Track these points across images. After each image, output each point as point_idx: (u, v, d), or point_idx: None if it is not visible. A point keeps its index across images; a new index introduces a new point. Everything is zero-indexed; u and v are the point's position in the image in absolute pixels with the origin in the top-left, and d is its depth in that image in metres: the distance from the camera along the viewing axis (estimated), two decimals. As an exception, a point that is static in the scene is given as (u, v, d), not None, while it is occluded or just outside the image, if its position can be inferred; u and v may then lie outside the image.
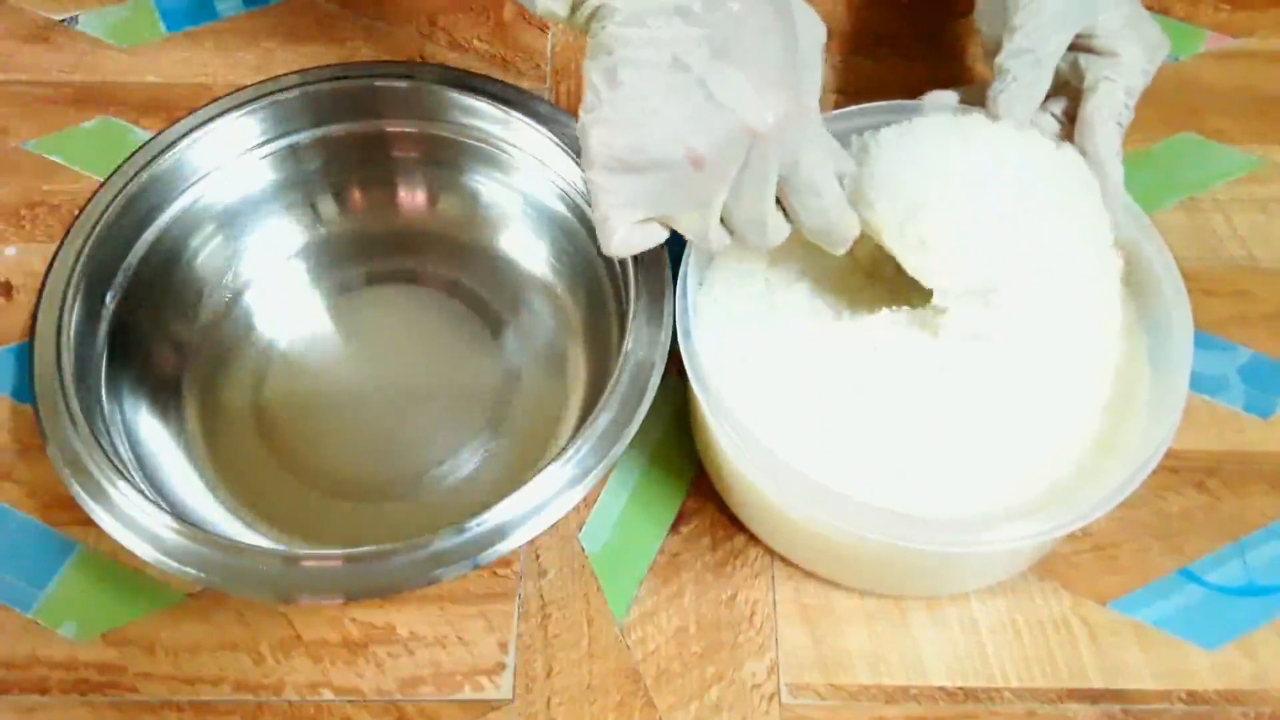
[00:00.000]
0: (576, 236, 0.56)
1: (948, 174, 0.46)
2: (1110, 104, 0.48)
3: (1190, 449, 0.53)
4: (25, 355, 0.56)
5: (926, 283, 0.47)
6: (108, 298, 0.53)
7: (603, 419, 0.46)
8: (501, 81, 0.57)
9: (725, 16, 0.40)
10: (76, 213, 0.53)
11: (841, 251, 0.46)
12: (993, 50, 0.50)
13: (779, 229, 0.44)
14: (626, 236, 0.43)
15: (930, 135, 0.48)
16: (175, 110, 0.64)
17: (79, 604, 0.50)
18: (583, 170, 0.42)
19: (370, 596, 0.47)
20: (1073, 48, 0.49)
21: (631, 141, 0.40)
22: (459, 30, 0.68)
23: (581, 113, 0.41)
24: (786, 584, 0.50)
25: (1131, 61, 0.48)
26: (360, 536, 0.50)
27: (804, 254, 0.52)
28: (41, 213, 0.61)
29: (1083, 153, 0.48)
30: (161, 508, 0.45)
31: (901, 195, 0.46)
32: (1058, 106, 0.51)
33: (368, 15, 0.69)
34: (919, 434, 0.47)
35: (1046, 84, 0.48)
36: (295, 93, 0.56)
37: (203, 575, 0.44)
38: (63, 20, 0.68)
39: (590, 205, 0.43)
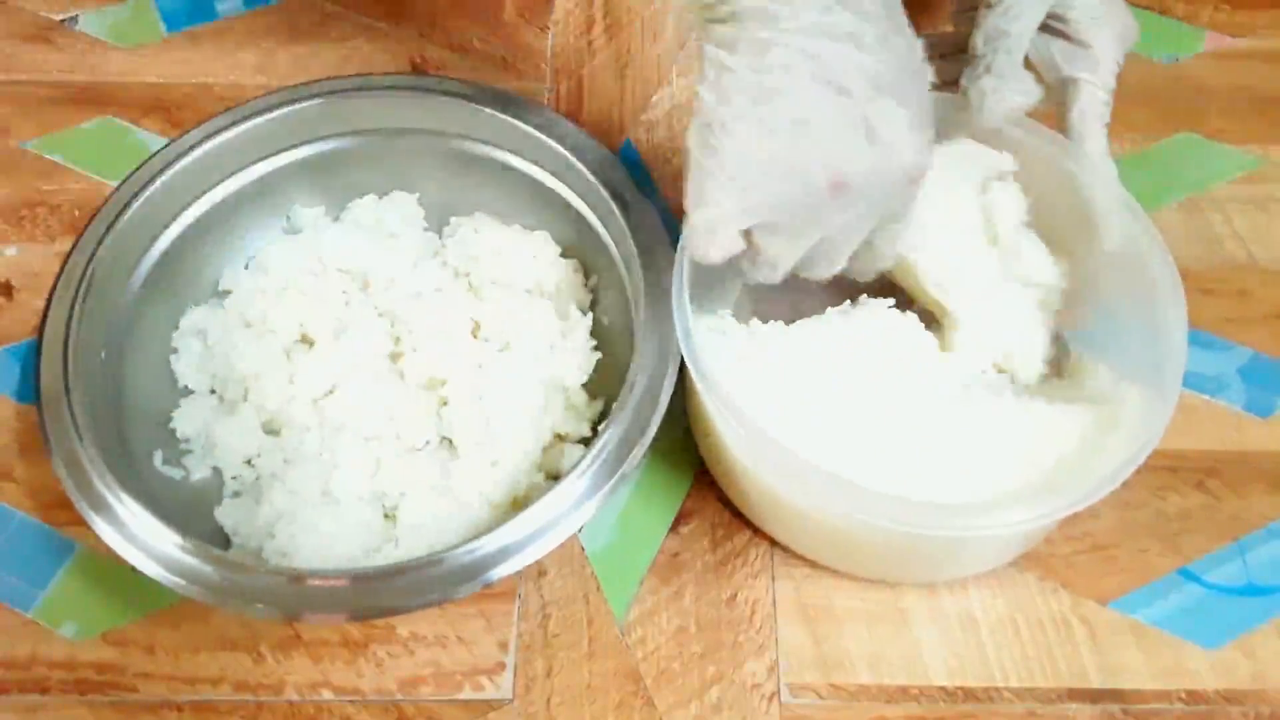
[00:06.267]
0: (588, 249, 0.56)
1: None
2: (1095, 107, 0.48)
3: (1190, 449, 0.53)
4: (26, 355, 0.56)
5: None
6: (121, 303, 0.52)
7: (614, 435, 0.46)
8: (517, 96, 0.57)
9: (893, 53, 0.38)
10: (89, 217, 0.53)
11: (862, 279, 0.47)
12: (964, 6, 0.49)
13: (838, 267, 0.44)
14: (727, 247, 0.41)
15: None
16: (175, 110, 0.64)
17: (79, 604, 0.50)
18: (695, 164, 0.39)
19: (378, 616, 0.47)
20: (1042, 28, 0.48)
21: (775, 151, 0.38)
22: (459, 30, 0.68)
23: (712, 104, 0.38)
24: (786, 584, 0.50)
25: (1105, 55, 0.48)
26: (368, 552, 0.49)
27: None
28: (42, 213, 0.61)
29: (1072, 149, 0.48)
30: (167, 523, 0.44)
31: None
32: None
33: (368, 15, 0.69)
34: (918, 421, 0.47)
35: (1020, 73, 0.47)
36: (317, 101, 0.56)
37: (209, 595, 0.43)
38: (63, 20, 0.68)
39: (690, 202, 0.40)
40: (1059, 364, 0.51)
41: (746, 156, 0.38)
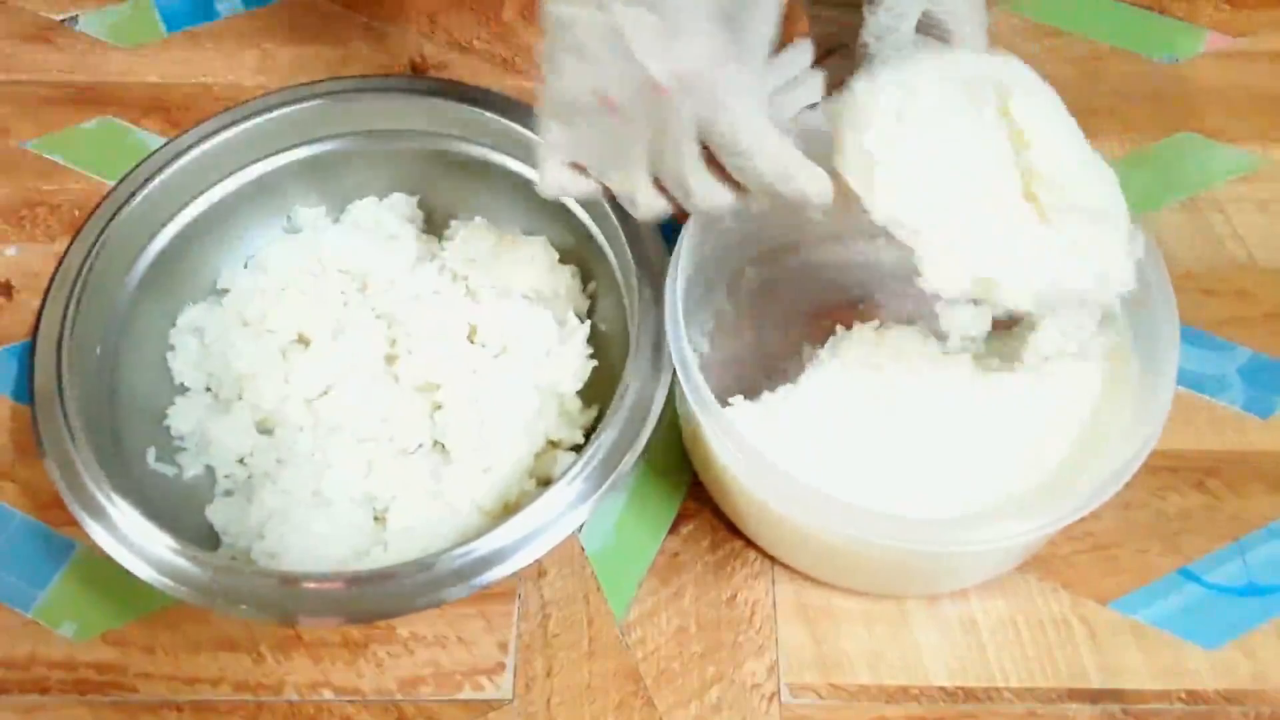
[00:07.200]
0: (587, 257, 0.56)
1: (947, 154, 0.41)
2: None
3: (1190, 449, 0.53)
4: (25, 355, 0.56)
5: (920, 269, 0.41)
6: (117, 301, 0.52)
7: (605, 441, 0.46)
8: (518, 99, 0.56)
9: None
10: (86, 216, 0.53)
11: (814, 214, 0.42)
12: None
13: (709, 193, 0.41)
14: (557, 178, 0.43)
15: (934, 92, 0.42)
16: (175, 110, 0.64)
17: (79, 604, 0.50)
18: None
19: (372, 619, 0.47)
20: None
21: (563, 84, 0.40)
22: (459, 30, 0.68)
23: (538, 53, 0.41)
24: (786, 584, 0.50)
25: (976, 47, 0.47)
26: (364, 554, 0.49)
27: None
28: (42, 213, 0.61)
29: None
30: (159, 525, 0.44)
31: (893, 172, 0.41)
32: None
33: (367, 15, 0.69)
34: (912, 437, 0.47)
35: None
36: (317, 101, 0.56)
37: (202, 598, 0.43)
38: (63, 20, 0.68)
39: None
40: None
41: (547, 93, 0.41)
